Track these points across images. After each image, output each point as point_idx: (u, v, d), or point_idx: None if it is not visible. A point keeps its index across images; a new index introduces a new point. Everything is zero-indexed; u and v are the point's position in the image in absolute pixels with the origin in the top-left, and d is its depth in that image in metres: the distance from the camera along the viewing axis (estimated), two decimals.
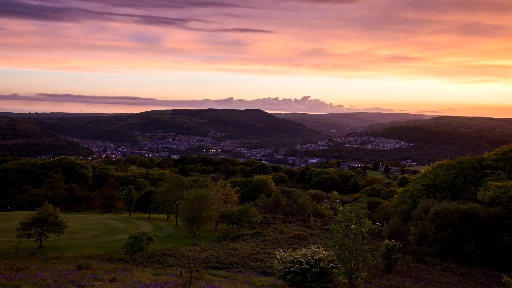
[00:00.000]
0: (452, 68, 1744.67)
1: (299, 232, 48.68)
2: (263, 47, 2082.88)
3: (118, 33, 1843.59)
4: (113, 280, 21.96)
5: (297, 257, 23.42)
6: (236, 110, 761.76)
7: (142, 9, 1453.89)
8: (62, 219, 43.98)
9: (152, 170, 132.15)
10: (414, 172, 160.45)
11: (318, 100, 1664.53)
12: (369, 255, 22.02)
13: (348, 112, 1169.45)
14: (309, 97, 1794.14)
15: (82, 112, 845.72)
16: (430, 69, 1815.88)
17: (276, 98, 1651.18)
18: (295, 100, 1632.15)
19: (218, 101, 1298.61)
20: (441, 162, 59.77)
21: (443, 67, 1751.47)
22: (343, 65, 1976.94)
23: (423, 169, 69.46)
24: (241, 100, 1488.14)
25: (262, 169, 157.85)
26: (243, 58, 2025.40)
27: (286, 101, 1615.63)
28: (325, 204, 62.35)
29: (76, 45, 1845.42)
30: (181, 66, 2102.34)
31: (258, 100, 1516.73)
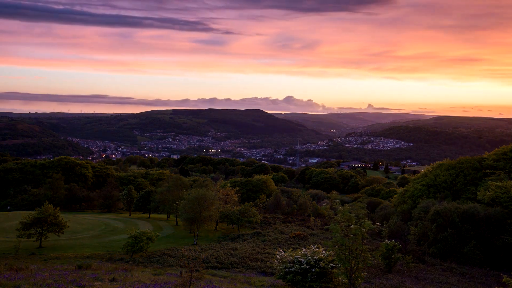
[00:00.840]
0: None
1: (299, 232, 48.68)
2: (327, 51, 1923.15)
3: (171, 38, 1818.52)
4: (113, 280, 21.97)
5: (297, 257, 23.40)
6: (236, 110, 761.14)
7: (197, 15, 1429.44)
8: (62, 219, 44.01)
9: (152, 170, 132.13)
10: (414, 172, 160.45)
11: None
12: (369, 255, 22.05)
13: (348, 112, 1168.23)
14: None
15: (82, 112, 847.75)
16: (488, 71, 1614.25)
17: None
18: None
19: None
20: (441, 162, 59.78)
21: (503, 69, 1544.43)
22: (407, 67, 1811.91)
23: (423, 169, 69.38)
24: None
25: (262, 169, 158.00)
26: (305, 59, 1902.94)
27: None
28: (325, 204, 62.47)
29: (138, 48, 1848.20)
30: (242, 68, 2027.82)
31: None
